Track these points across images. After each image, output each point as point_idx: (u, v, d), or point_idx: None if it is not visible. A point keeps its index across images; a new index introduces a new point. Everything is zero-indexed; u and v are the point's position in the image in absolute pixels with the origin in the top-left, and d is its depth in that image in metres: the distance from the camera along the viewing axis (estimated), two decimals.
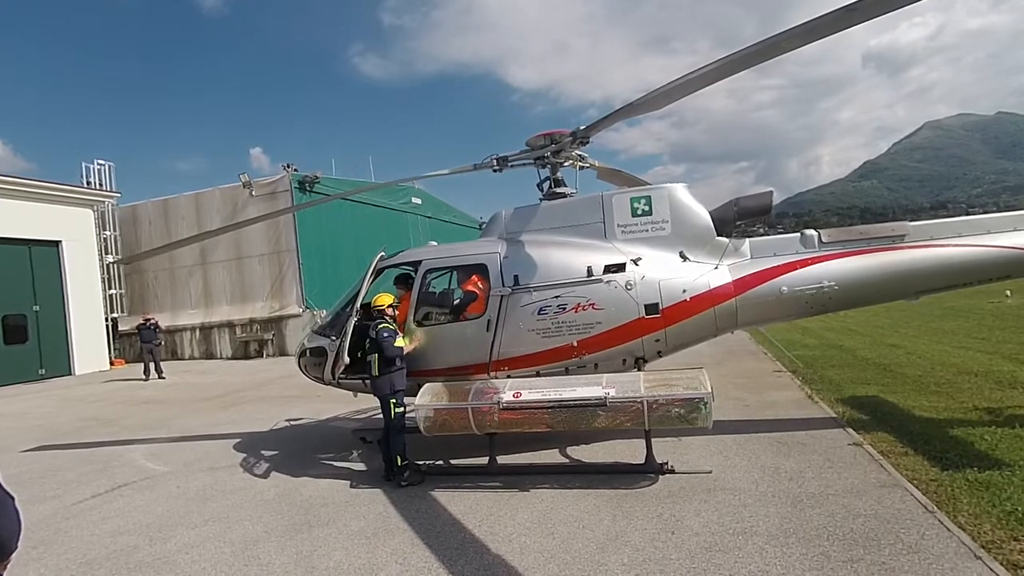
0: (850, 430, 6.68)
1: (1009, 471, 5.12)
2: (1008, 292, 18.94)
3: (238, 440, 8.53)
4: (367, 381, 6.73)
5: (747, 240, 6.78)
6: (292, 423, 9.52)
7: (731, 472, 5.65)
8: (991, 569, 3.60)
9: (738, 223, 6.79)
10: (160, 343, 17.91)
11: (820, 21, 4.16)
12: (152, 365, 17.10)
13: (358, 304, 6.81)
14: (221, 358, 22.16)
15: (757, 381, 10.06)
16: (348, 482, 6.31)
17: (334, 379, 6.97)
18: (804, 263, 6.45)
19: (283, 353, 20.69)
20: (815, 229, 6.83)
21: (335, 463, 7.10)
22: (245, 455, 7.68)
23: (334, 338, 6.95)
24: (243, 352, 21.86)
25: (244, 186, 21.68)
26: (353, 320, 6.69)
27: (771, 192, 6.98)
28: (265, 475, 6.79)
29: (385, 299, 6.44)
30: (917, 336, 14.09)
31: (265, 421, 9.67)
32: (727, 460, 5.99)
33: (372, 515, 5.33)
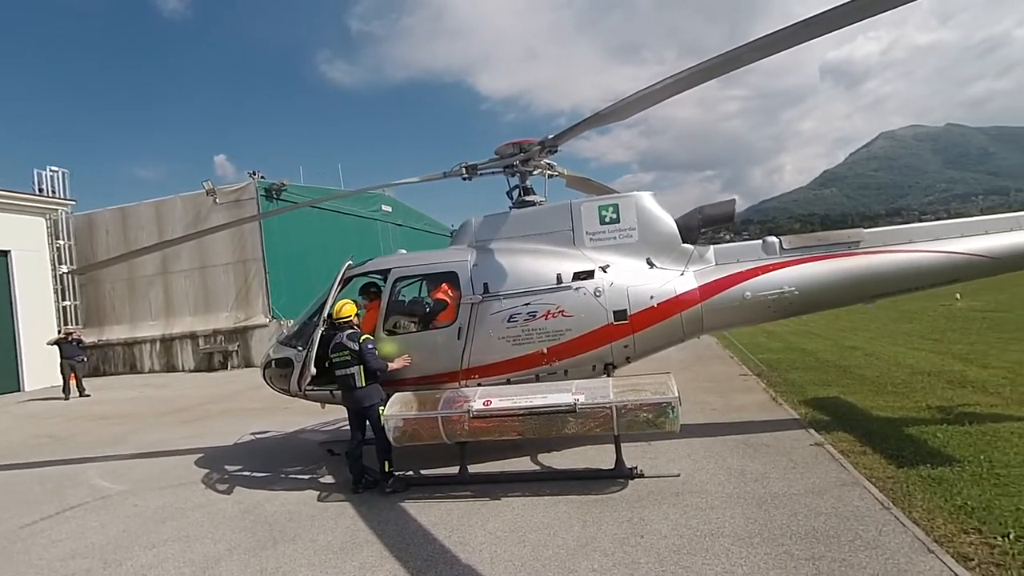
0: (812, 431, 6.87)
1: (959, 467, 5.35)
2: (958, 295, 19.82)
3: (200, 455, 8.25)
4: (335, 392, 6.63)
5: (712, 247, 6.94)
6: (257, 436, 9.27)
7: (699, 475, 5.75)
8: (943, 562, 3.74)
9: (703, 230, 6.94)
10: (83, 359, 17.02)
11: (778, 35, 4.30)
12: (74, 383, 16.16)
13: (325, 314, 6.70)
14: (183, 370, 21.45)
15: (724, 385, 10.26)
16: (315, 496, 6.17)
17: (300, 390, 6.84)
18: (766, 269, 6.62)
19: (249, 364, 20.14)
20: (776, 236, 7.03)
21: (302, 476, 6.94)
22: (207, 471, 7.43)
23: (300, 348, 6.82)
24: (207, 364, 21.20)
25: (208, 193, 21.12)
26: (320, 330, 6.58)
27: (734, 200, 7.17)
28: (228, 491, 6.58)
29: (350, 308, 6.36)
30: (875, 338, 14.62)
31: (228, 435, 9.38)
32: (695, 463, 6.08)
33: (340, 529, 5.23)
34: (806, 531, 4.35)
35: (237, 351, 21.05)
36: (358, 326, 6.40)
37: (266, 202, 21.15)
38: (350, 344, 6.14)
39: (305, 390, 6.81)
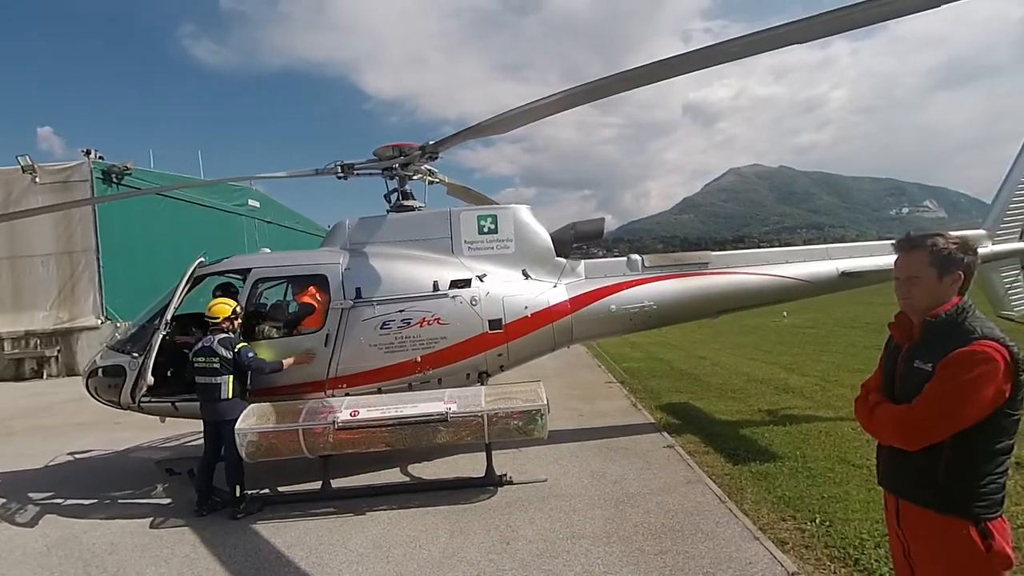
0: (665, 434, 7.47)
1: (781, 462, 6.13)
2: (784, 313, 22.95)
3: None
4: (178, 404, 5.93)
5: (583, 261, 7.31)
6: (77, 456, 7.94)
7: (564, 479, 5.97)
8: (765, 547, 4.24)
9: (575, 245, 7.29)
10: None
11: (642, 70, 4.65)
12: None
13: (168, 316, 5.96)
14: None
15: (591, 392, 10.83)
16: (147, 523, 5.41)
17: (134, 402, 5.99)
18: (629, 284, 7.11)
19: (72, 373, 17.30)
20: (640, 254, 7.59)
21: (132, 501, 6.07)
22: (2, 501, 6.20)
23: (136, 355, 5.99)
24: (14, 372, 17.85)
25: (24, 170, 17.89)
26: (161, 334, 5.84)
27: (603, 219, 7.65)
28: (32, 523, 5.55)
29: (224, 310, 5.71)
30: (720, 349, 16.37)
31: (38, 456, 7.93)
32: (561, 468, 6.31)
33: (176, 559, 4.63)
34: (657, 527, 4.69)
35: (57, 357, 18.00)
36: (232, 331, 5.75)
37: (103, 186, 18.44)
38: (221, 351, 5.49)
39: (140, 402, 5.99)
